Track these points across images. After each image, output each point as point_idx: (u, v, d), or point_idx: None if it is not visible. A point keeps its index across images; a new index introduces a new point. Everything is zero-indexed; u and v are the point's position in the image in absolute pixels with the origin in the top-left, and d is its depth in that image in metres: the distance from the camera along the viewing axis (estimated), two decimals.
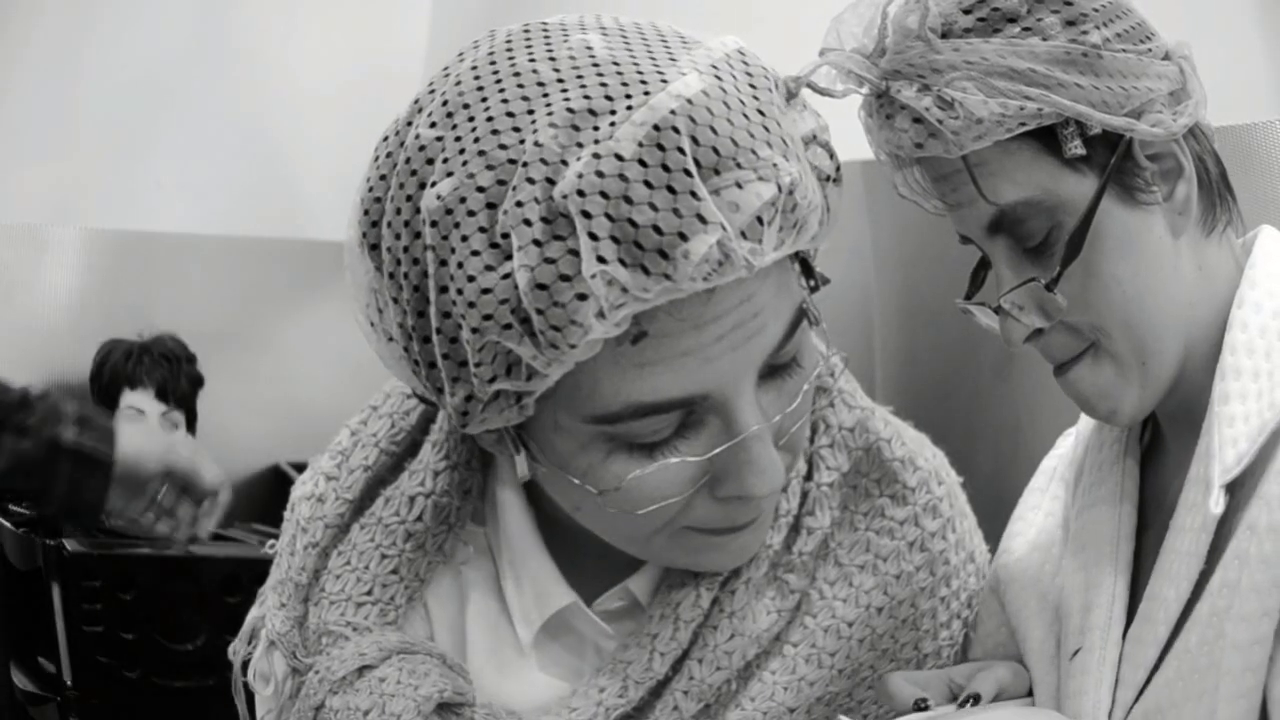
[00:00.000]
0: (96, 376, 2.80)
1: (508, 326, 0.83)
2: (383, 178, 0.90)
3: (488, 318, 0.83)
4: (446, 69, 0.91)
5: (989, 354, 1.80)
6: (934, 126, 0.93)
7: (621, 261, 0.81)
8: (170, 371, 2.77)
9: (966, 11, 0.94)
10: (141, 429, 1.72)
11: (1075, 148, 0.94)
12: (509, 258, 0.82)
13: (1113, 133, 0.94)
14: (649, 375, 0.85)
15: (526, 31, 0.90)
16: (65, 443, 1.63)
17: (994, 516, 1.16)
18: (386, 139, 0.92)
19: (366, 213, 0.90)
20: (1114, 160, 0.94)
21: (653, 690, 0.99)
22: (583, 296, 0.82)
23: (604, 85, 0.84)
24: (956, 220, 0.99)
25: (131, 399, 2.74)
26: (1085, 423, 1.10)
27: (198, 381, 2.83)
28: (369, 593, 1.01)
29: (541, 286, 0.82)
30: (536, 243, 0.82)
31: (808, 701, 1.02)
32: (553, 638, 1.03)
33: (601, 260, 0.81)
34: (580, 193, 0.81)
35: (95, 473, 1.61)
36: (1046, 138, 0.94)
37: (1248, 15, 1.71)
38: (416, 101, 0.91)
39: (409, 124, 0.90)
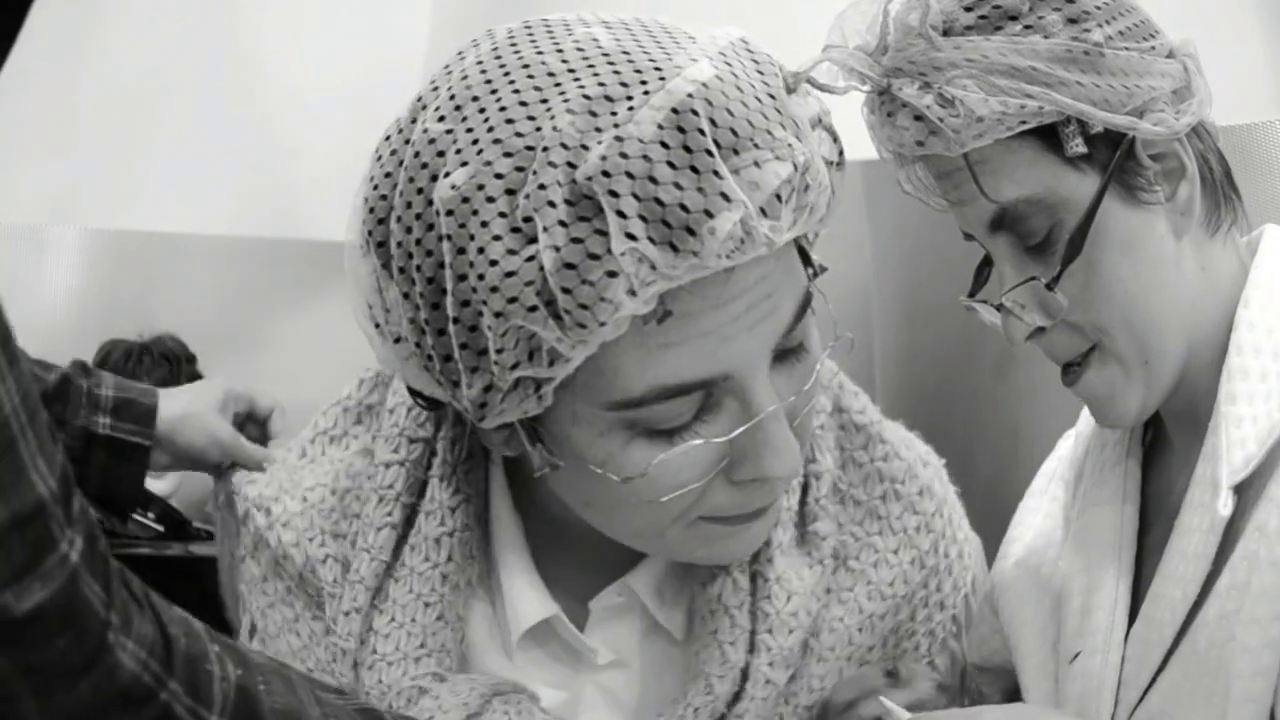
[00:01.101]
0: None
1: (533, 309, 0.84)
2: (388, 175, 0.90)
3: (512, 300, 0.84)
4: (448, 66, 0.92)
5: (989, 354, 1.79)
6: (935, 124, 0.93)
7: (650, 239, 0.83)
8: (170, 371, 2.77)
9: (968, 9, 0.94)
10: (190, 416, 1.55)
11: (1077, 146, 0.94)
12: (532, 241, 0.83)
13: (1115, 131, 0.94)
14: (672, 356, 0.86)
15: (528, 27, 0.91)
16: (100, 431, 1.54)
17: (994, 517, 1.16)
18: (389, 137, 0.92)
19: (372, 210, 0.91)
20: (1116, 159, 0.94)
21: (739, 679, 1.00)
22: (613, 274, 0.83)
23: (617, 73, 0.86)
24: (959, 217, 0.99)
25: None
26: (1086, 423, 1.10)
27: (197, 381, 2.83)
28: (422, 645, 1.00)
29: (570, 266, 0.83)
30: (562, 224, 0.83)
31: (882, 635, 1.05)
32: (540, 644, 1.04)
33: (631, 237, 0.82)
34: (605, 173, 0.83)
35: (131, 461, 1.52)
36: (1048, 136, 0.94)
37: (1248, 15, 1.71)
38: (419, 99, 0.92)
39: (413, 121, 0.91)
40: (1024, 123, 0.93)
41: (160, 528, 2.49)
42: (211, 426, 1.36)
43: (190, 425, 1.40)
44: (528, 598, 1.02)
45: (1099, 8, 0.94)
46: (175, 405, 1.41)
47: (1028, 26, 0.94)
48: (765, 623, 1.01)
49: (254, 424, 1.39)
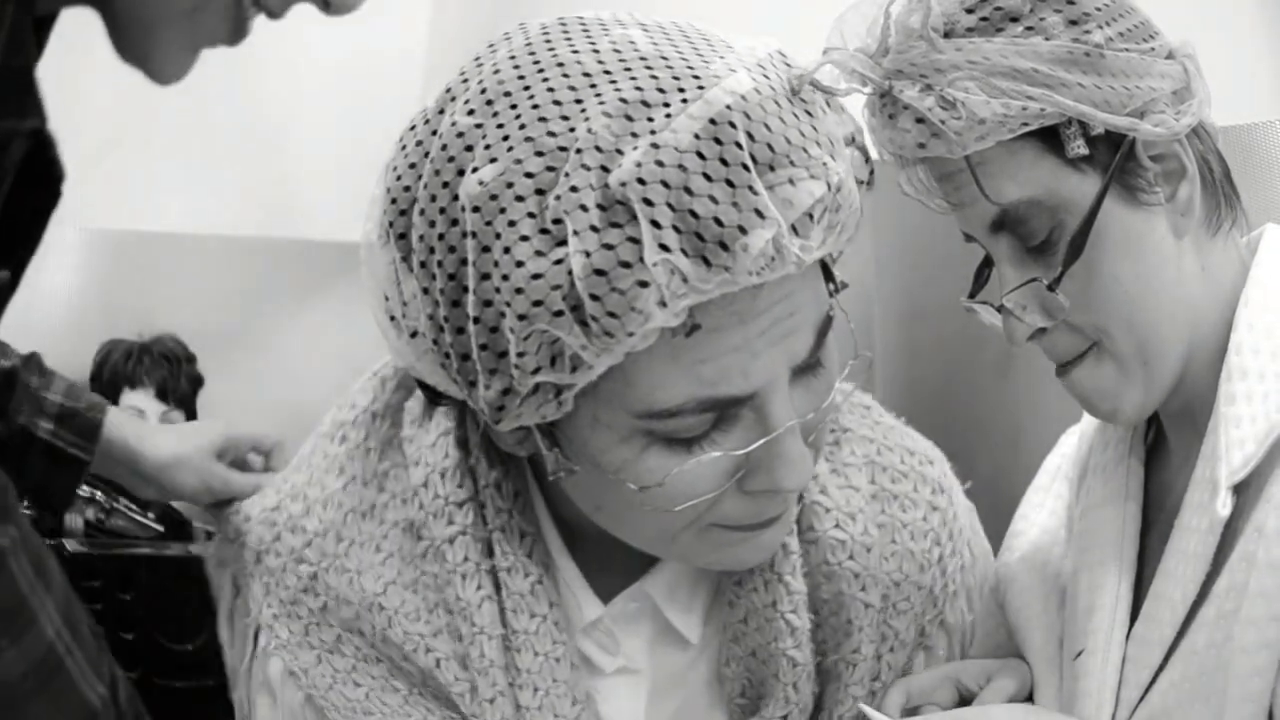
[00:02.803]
0: (96, 376, 2.80)
1: (558, 313, 0.82)
2: (412, 165, 0.89)
3: (537, 304, 0.82)
4: (479, 59, 0.91)
5: (990, 353, 1.80)
6: (936, 127, 0.93)
7: (683, 251, 0.82)
8: (170, 371, 2.77)
9: (969, 11, 0.94)
10: (169, 439, 1.54)
11: (1078, 147, 0.94)
12: (561, 244, 0.82)
13: (1115, 133, 0.94)
14: (708, 371, 0.86)
15: (563, 24, 0.90)
16: (41, 435, 1.52)
17: (994, 516, 1.16)
18: (414, 127, 0.90)
19: (394, 201, 0.89)
20: (1117, 160, 0.94)
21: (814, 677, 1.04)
22: (644, 284, 0.81)
23: (655, 78, 0.85)
24: (960, 219, 0.99)
25: (131, 399, 2.74)
26: (1089, 421, 1.10)
27: (198, 381, 2.83)
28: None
29: (600, 272, 0.81)
30: (594, 228, 0.81)
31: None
32: None
33: (664, 248, 0.81)
34: (640, 181, 0.81)
35: (67, 471, 1.51)
36: (1049, 137, 0.94)
37: (1248, 15, 1.71)
38: (449, 90, 0.90)
39: (440, 112, 0.89)
40: (1025, 125, 0.93)
41: (160, 528, 2.49)
42: (203, 472, 1.33)
43: (182, 469, 1.38)
44: (580, 596, 1.02)
45: (1099, 9, 0.94)
46: (165, 448, 1.38)
47: (1029, 28, 0.93)
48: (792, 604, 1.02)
49: (258, 454, 1.38)
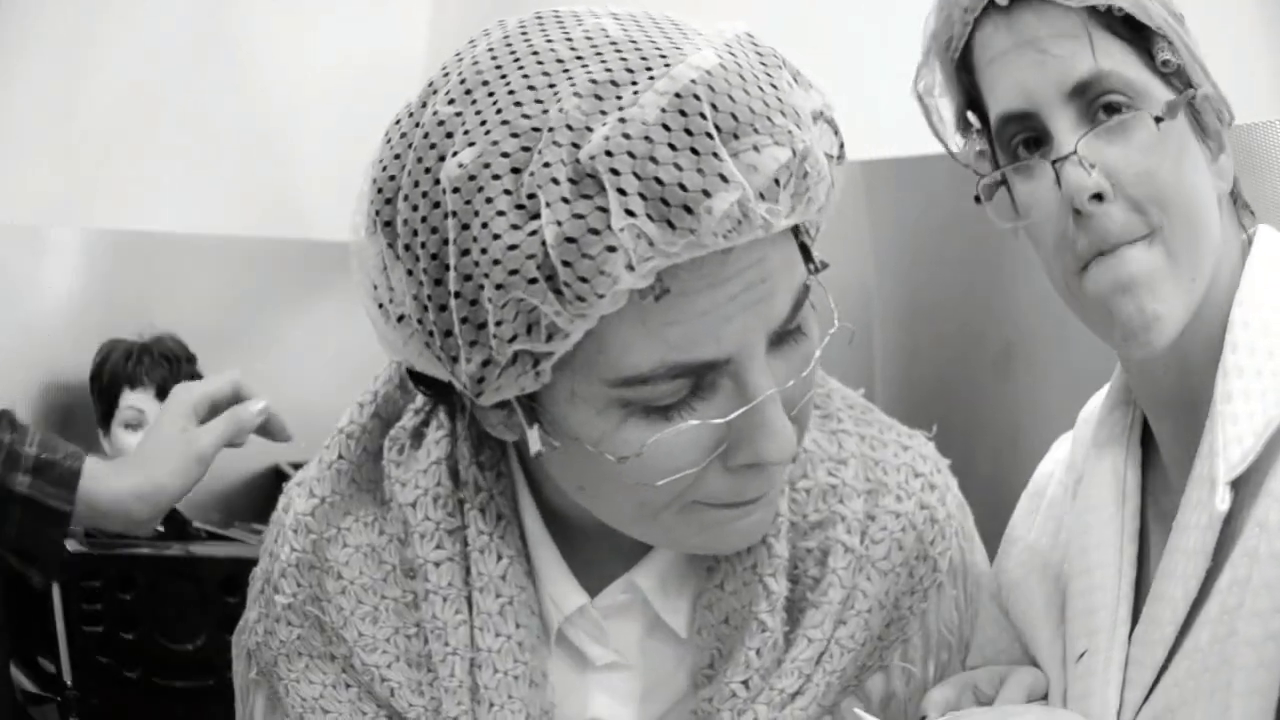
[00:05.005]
0: (96, 376, 2.81)
1: (533, 281, 0.85)
2: (396, 156, 0.92)
3: (513, 273, 0.85)
4: (459, 54, 0.94)
5: (989, 353, 1.80)
6: None
7: (649, 216, 0.84)
8: (170, 371, 2.77)
9: None
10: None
11: (1167, 57, 0.96)
12: (535, 217, 0.85)
13: (1185, 75, 0.97)
14: (677, 334, 0.87)
15: (539, 17, 0.93)
16: (18, 490, 1.50)
17: (994, 516, 1.16)
18: (399, 121, 0.94)
19: (380, 190, 0.92)
20: (1188, 92, 0.96)
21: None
22: (612, 249, 0.84)
23: (624, 60, 0.88)
24: (1036, 79, 0.97)
25: (131, 399, 2.75)
26: (1082, 427, 1.10)
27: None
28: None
29: (571, 240, 0.84)
30: (565, 200, 0.85)
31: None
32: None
33: (630, 214, 0.84)
34: (608, 153, 0.84)
35: (50, 524, 1.42)
36: (1142, 46, 0.96)
37: (1248, 15, 1.71)
38: (430, 84, 0.93)
39: (423, 105, 0.92)
40: None
41: (160, 528, 2.50)
42: (152, 501, 1.39)
43: (136, 503, 1.40)
44: (563, 586, 1.03)
45: None
46: (114, 486, 1.40)
47: None
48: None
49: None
